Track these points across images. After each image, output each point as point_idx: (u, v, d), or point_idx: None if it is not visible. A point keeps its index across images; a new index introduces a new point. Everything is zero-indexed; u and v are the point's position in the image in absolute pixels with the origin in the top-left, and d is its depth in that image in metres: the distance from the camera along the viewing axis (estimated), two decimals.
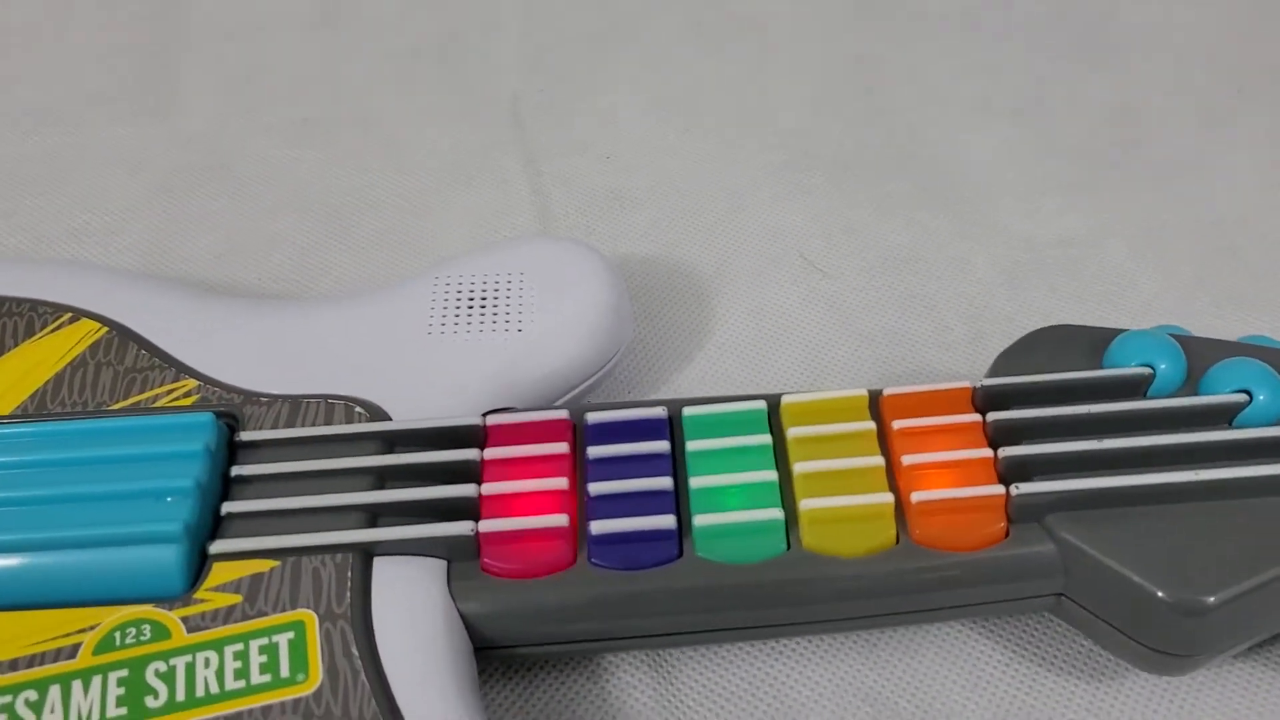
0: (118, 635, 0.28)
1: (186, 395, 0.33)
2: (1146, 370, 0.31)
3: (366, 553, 0.29)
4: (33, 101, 0.51)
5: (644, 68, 0.51)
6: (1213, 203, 0.44)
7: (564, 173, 0.46)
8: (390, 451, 0.31)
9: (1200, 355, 0.31)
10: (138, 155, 0.48)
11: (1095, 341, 0.32)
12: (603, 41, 0.53)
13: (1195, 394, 0.31)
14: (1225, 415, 0.30)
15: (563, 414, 0.31)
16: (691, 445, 0.30)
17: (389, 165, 0.47)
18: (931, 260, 0.42)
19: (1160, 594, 0.27)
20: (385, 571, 0.29)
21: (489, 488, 0.30)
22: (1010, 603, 0.29)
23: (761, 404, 0.31)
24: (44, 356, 0.34)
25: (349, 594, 0.28)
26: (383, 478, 0.30)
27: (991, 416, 0.30)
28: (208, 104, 0.50)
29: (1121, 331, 0.32)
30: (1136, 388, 0.31)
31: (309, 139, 0.48)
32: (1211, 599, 0.27)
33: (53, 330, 0.34)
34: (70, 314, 0.35)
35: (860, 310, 0.40)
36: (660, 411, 0.31)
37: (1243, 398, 0.30)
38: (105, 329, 0.34)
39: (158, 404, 0.32)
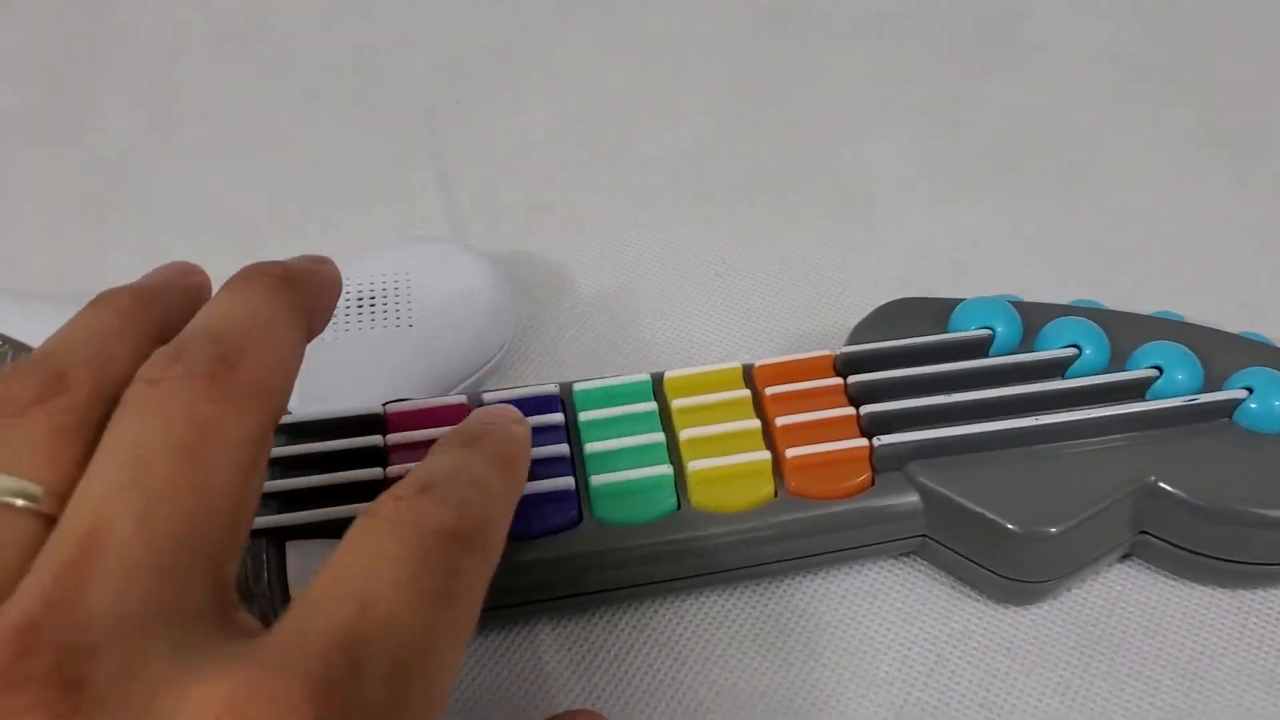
0: None
1: None
2: (987, 332, 0.34)
3: (279, 537, 0.30)
4: None
5: (556, 82, 0.52)
6: (1111, 204, 0.45)
7: (477, 185, 0.47)
8: (293, 443, 0.32)
9: (1035, 317, 0.35)
10: (49, 179, 0.48)
11: (939, 310, 0.36)
12: (515, 56, 0.54)
13: (1031, 351, 0.34)
14: (1058, 368, 0.34)
15: (460, 399, 0.33)
16: (584, 416, 0.32)
17: (303, 183, 0.48)
18: (836, 266, 0.43)
19: (1011, 527, 0.30)
20: (300, 553, 0.30)
21: (394, 469, 0.31)
22: (880, 545, 0.32)
23: (646, 376, 0.34)
24: None
25: (265, 574, 0.29)
26: (287, 467, 0.32)
27: (853, 379, 0.33)
28: (120, 126, 0.50)
29: (963, 300, 0.35)
30: (979, 348, 0.34)
31: (222, 160, 0.49)
32: (1054, 529, 0.30)
33: None
34: None
35: (763, 316, 0.41)
36: (552, 388, 0.33)
37: (1073, 352, 0.34)
38: None
39: None
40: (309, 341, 0.26)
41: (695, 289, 0.43)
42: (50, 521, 0.19)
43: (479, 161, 0.48)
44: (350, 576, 0.20)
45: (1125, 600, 0.33)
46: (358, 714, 0.18)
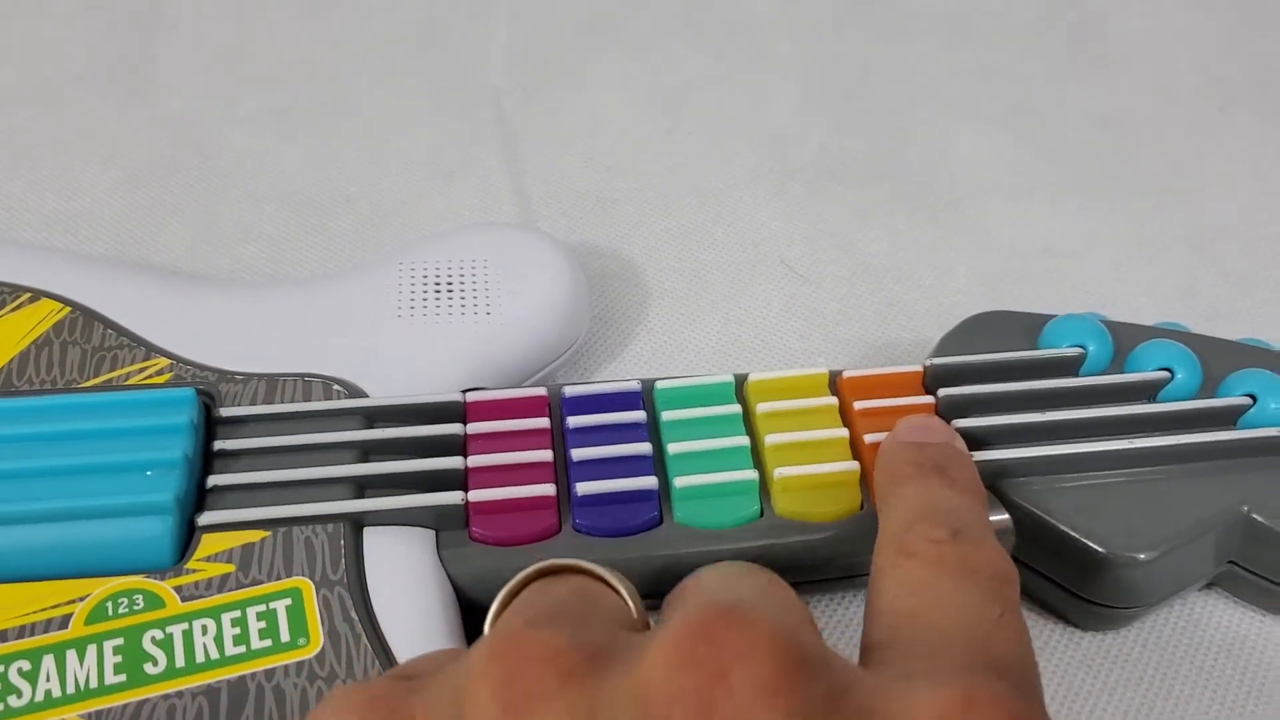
0: (109, 605, 0.28)
1: (159, 374, 0.33)
2: (1078, 350, 0.34)
3: (357, 523, 0.30)
4: (4, 83, 0.50)
5: (629, 65, 0.52)
6: (1197, 214, 0.45)
7: (545, 169, 0.46)
8: (370, 427, 0.32)
9: (1125, 337, 0.34)
10: (111, 141, 0.47)
11: (1028, 325, 0.35)
12: (587, 37, 0.53)
13: (1122, 372, 0.33)
14: (1150, 391, 0.33)
15: (540, 391, 0.33)
16: (666, 415, 0.32)
17: (367, 157, 0.47)
18: (913, 268, 0.42)
19: (1101, 551, 0.30)
20: (376, 540, 0.29)
21: (475, 460, 0.31)
22: None
23: (729, 377, 0.33)
24: (4, 336, 0.33)
25: (343, 561, 0.29)
26: (367, 452, 0.31)
27: (943, 392, 0.32)
28: (184, 90, 0.50)
29: (1053, 317, 0.35)
30: (1070, 366, 0.33)
31: (286, 129, 0.48)
32: (1143, 555, 0.30)
33: (12, 310, 0.34)
34: (29, 294, 0.35)
35: (840, 318, 0.40)
36: (634, 385, 0.33)
37: (1165, 375, 0.33)
38: (68, 309, 0.34)
39: (130, 382, 0.32)
40: None
41: (768, 287, 0.42)
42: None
43: (549, 146, 0.48)
44: (948, 617, 0.23)
45: (1207, 622, 0.32)
46: None
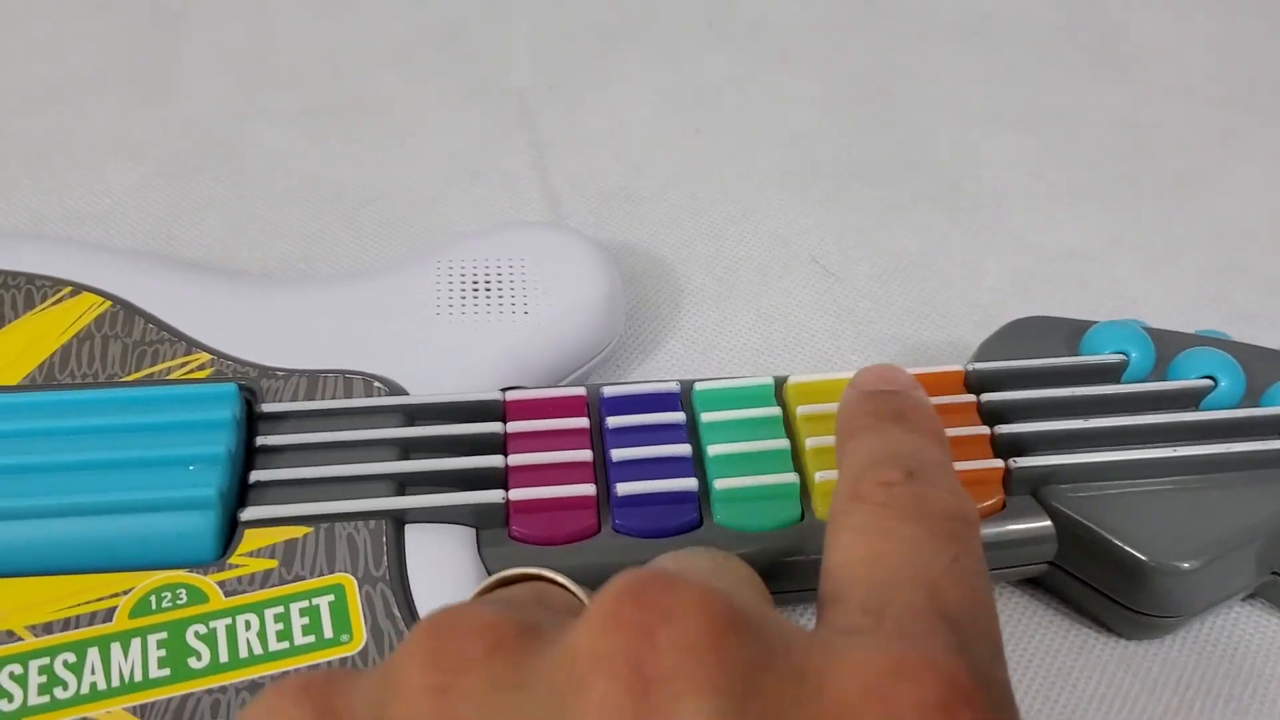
0: (153, 599, 0.28)
1: (200, 369, 0.33)
2: (1121, 357, 0.33)
3: (398, 520, 0.30)
4: (32, 81, 0.50)
5: (650, 66, 0.52)
6: (1223, 217, 0.45)
7: (573, 169, 0.46)
8: (411, 425, 0.32)
9: (1167, 345, 0.34)
10: (138, 138, 0.47)
11: (1069, 332, 0.35)
12: (612, 36, 0.53)
13: (1165, 379, 0.33)
14: (1193, 399, 0.33)
15: (579, 390, 0.33)
16: (705, 417, 0.32)
17: (395, 156, 0.47)
18: (943, 268, 0.42)
19: (1144, 559, 0.30)
20: (418, 538, 0.29)
21: (515, 459, 0.31)
22: (1006, 570, 0.31)
23: (769, 379, 0.33)
24: (47, 329, 0.34)
25: (386, 558, 0.29)
26: (407, 449, 0.31)
27: (985, 397, 0.32)
28: (206, 90, 0.50)
29: (1094, 323, 0.34)
30: (1112, 373, 0.33)
31: (313, 126, 0.48)
32: (1187, 564, 0.30)
33: (54, 303, 0.34)
34: (70, 288, 0.35)
35: (872, 317, 0.40)
36: (673, 386, 0.33)
37: (1208, 383, 0.33)
38: (109, 303, 0.34)
39: (171, 376, 0.33)
40: None
41: (799, 284, 0.42)
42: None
43: (575, 145, 0.48)
44: (897, 563, 0.22)
45: (1247, 623, 0.32)
46: (994, 687, 0.20)
